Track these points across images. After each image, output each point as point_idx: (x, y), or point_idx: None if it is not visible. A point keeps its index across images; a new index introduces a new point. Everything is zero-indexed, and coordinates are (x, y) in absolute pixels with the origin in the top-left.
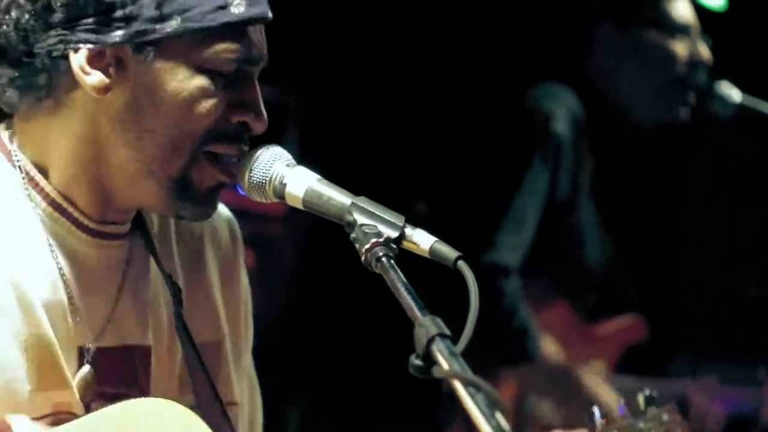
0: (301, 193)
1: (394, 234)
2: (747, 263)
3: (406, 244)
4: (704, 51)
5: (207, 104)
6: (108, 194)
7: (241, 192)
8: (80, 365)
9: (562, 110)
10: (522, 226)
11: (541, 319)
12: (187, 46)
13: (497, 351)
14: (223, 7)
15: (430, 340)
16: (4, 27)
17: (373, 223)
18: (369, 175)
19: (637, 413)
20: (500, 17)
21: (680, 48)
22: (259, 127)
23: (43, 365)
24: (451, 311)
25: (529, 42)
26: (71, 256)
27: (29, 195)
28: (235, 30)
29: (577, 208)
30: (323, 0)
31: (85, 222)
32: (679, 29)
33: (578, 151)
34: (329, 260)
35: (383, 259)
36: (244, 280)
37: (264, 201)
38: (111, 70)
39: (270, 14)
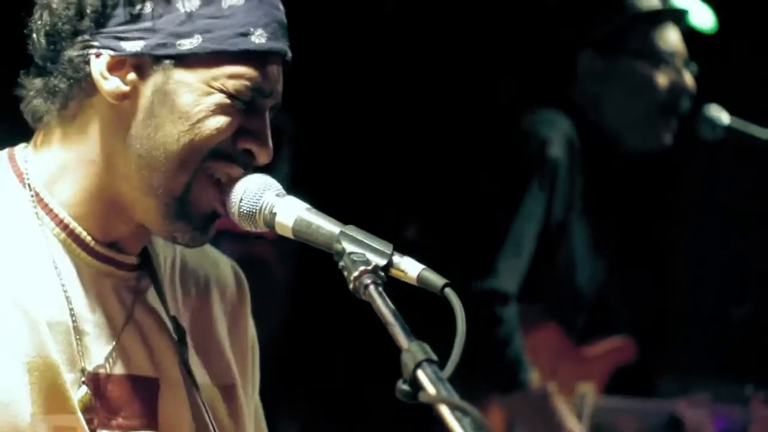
0: (290, 223)
1: (382, 262)
2: (736, 283)
3: (394, 272)
4: (688, 78)
5: (220, 121)
6: (115, 211)
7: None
8: (78, 388)
9: (557, 135)
10: (520, 251)
11: (532, 340)
12: (206, 65)
13: (489, 378)
14: (245, 35)
15: (417, 366)
16: (35, 33)
17: (362, 251)
18: (362, 198)
19: None
20: (494, 43)
21: (662, 76)
22: (263, 158)
23: (46, 388)
24: (441, 336)
25: (525, 68)
26: (77, 278)
27: (37, 214)
28: (254, 59)
29: (570, 230)
30: (317, 26)
31: (92, 244)
32: (661, 57)
33: (572, 175)
34: (318, 280)
35: (371, 286)
36: (251, 326)
37: (254, 230)
38: (129, 78)
39: (289, 54)
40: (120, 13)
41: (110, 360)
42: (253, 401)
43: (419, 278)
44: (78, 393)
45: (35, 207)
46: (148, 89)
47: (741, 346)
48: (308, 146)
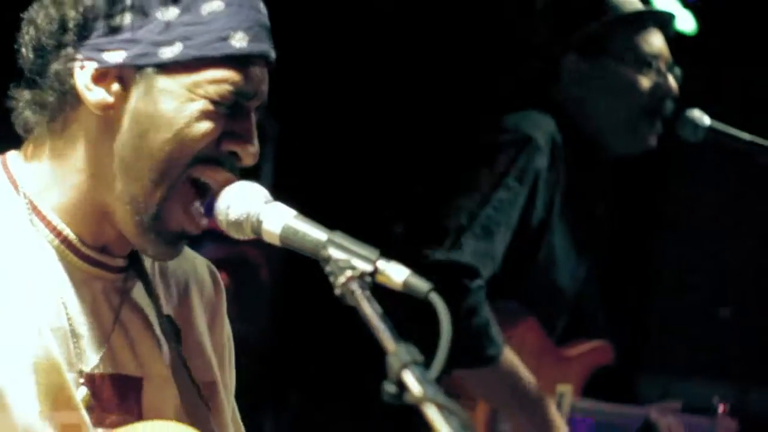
0: (277, 231)
1: (368, 268)
2: (718, 285)
3: (379, 278)
4: (671, 81)
5: (204, 127)
6: (103, 218)
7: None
8: (78, 388)
9: (541, 133)
10: (490, 237)
11: (513, 340)
12: (188, 72)
13: (454, 352)
14: (226, 39)
15: (403, 367)
16: (23, 47)
17: (347, 258)
18: (346, 196)
19: None
20: (478, 45)
21: (645, 79)
22: (248, 159)
23: (51, 388)
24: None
25: (509, 70)
26: (69, 282)
27: (32, 221)
28: (236, 63)
29: (551, 230)
30: (299, 27)
31: (83, 249)
32: (645, 60)
33: (555, 176)
34: (305, 281)
35: (357, 292)
36: (227, 325)
37: (242, 237)
38: (113, 89)
39: (273, 55)
40: (101, 25)
41: (103, 361)
42: (232, 396)
43: (404, 284)
44: (79, 393)
45: (30, 214)
46: (132, 99)
47: (723, 349)
48: (292, 145)
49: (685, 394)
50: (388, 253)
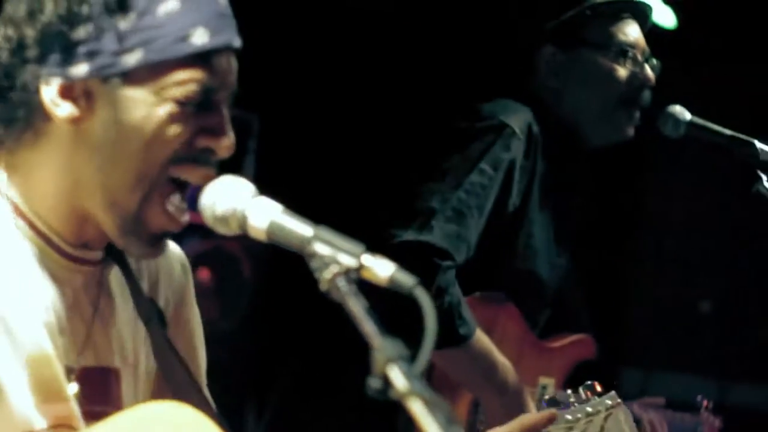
0: (263, 226)
1: (353, 263)
2: (699, 279)
3: (364, 274)
4: (648, 71)
5: (172, 131)
6: (84, 221)
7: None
8: (68, 383)
9: (517, 121)
10: (462, 221)
11: (495, 332)
12: (152, 77)
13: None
14: (185, 39)
15: (388, 362)
16: None
17: (333, 253)
18: (328, 189)
19: (580, 401)
20: (455, 36)
21: (622, 69)
22: (224, 152)
23: (44, 380)
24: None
25: (486, 61)
26: (53, 279)
27: (15, 223)
28: (200, 60)
29: (530, 221)
30: (281, 21)
31: (66, 248)
32: (621, 49)
33: (531, 164)
34: (286, 276)
35: (342, 287)
36: (196, 314)
37: (227, 233)
38: (81, 101)
39: (235, 42)
40: (60, 40)
41: (85, 354)
42: (203, 384)
43: (390, 280)
44: (70, 388)
45: (14, 216)
46: (100, 110)
47: (703, 343)
48: (273, 138)
49: (665, 388)
50: (373, 247)
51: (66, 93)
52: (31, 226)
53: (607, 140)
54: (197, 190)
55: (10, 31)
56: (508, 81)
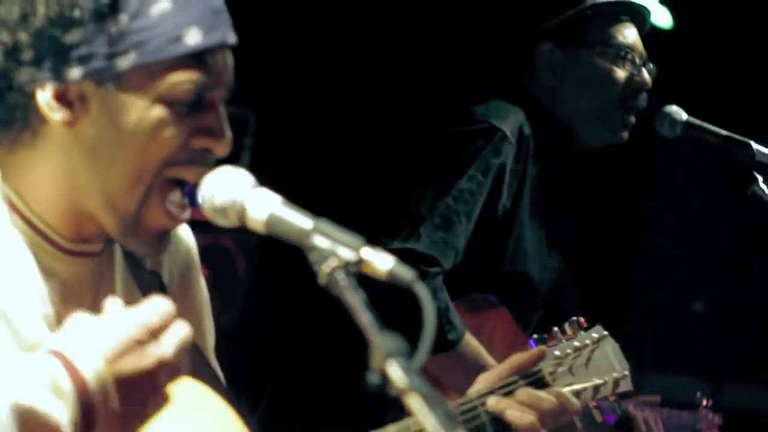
0: (263, 218)
1: (353, 257)
2: (692, 280)
3: (364, 267)
4: (645, 75)
5: (167, 133)
6: (82, 219)
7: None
8: None
9: (508, 125)
10: (448, 226)
11: (486, 333)
12: (145, 79)
13: (411, 339)
14: (178, 39)
15: (387, 357)
16: None
17: (332, 247)
18: (324, 187)
19: (568, 337)
20: (450, 34)
21: (620, 71)
22: (220, 150)
23: None
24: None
25: (481, 59)
26: (50, 273)
27: (12, 220)
28: (194, 59)
29: (521, 224)
30: (279, 18)
31: (65, 244)
32: (620, 51)
33: (522, 167)
34: (282, 270)
35: (341, 281)
36: (203, 288)
37: (226, 225)
38: (76, 105)
39: (230, 39)
40: (53, 44)
41: None
42: (211, 352)
43: (389, 273)
44: None
45: (11, 214)
46: (95, 114)
47: (697, 343)
48: (269, 135)
49: (659, 389)
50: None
51: (61, 97)
52: (28, 222)
53: (601, 141)
54: (196, 186)
55: (4, 35)
56: (502, 79)
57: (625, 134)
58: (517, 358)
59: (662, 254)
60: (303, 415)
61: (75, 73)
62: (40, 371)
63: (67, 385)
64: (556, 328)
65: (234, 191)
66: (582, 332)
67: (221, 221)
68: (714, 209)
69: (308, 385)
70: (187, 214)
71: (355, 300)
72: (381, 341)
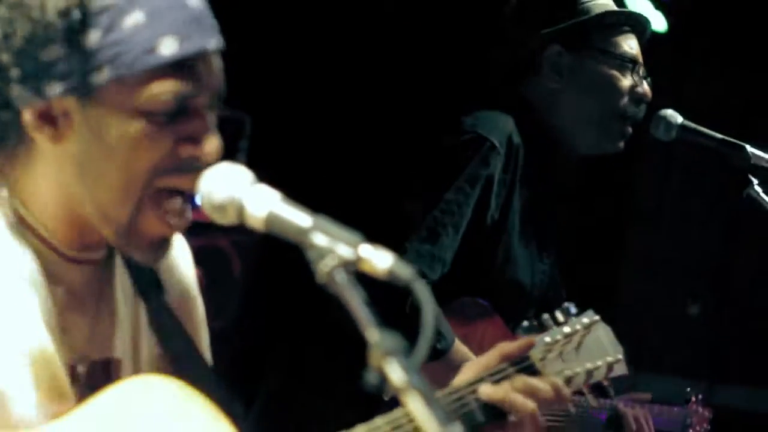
0: (262, 216)
1: (351, 255)
2: (687, 282)
3: (363, 265)
4: (647, 88)
5: (150, 145)
6: (82, 228)
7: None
8: (71, 381)
9: (497, 136)
10: (435, 239)
11: (477, 338)
12: (124, 92)
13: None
14: (153, 50)
15: (385, 355)
16: None
17: (331, 244)
18: (319, 191)
19: (558, 323)
20: (445, 38)
21: (624, 80)
22: (209, 157)
23: (46, 378)
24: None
25: (475, 64)
26: (55, 280)
27: (19, 230)
28: (172, 69)
29: (510, 232)
30: (273, 21)
31: (63, 250)
32: (625, 61)
33: (511, 177)
34: (277, 271)
35: (339, 279)
36: (198, 295)
37: (225, 222)
38: (59, 121)
39: (210, 45)
40: (32, 62)
41: (89, 349)
42: (209, 357)
43: (388, 271)
44: (72, 383)
45: (19, 224)
46: (79, 129)
47: (691, 344)
48: (264, 139)
49: (653, 390)
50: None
51: (44, 114)
52: (32, 230)
53: (597, 149)
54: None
55: None
56: (498, 82)
57: (621, 144)
58: (505, 347)
59: (657, 255)
60: (299, 416)
61: (55, 89)
62: None
63: None
64: (546, 315)
65: (232, 188)
66: (573, 318)
67: (220, 219)
68: (710, 210)
69: (305, 386)
70: (189, 219)
71: (354, 298)
72: (379, 339)
